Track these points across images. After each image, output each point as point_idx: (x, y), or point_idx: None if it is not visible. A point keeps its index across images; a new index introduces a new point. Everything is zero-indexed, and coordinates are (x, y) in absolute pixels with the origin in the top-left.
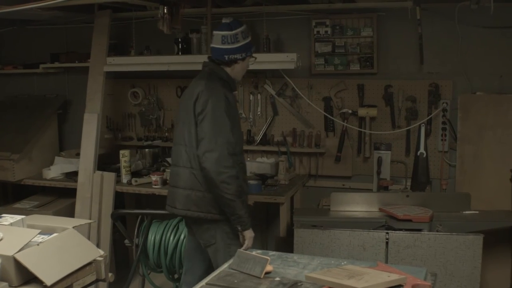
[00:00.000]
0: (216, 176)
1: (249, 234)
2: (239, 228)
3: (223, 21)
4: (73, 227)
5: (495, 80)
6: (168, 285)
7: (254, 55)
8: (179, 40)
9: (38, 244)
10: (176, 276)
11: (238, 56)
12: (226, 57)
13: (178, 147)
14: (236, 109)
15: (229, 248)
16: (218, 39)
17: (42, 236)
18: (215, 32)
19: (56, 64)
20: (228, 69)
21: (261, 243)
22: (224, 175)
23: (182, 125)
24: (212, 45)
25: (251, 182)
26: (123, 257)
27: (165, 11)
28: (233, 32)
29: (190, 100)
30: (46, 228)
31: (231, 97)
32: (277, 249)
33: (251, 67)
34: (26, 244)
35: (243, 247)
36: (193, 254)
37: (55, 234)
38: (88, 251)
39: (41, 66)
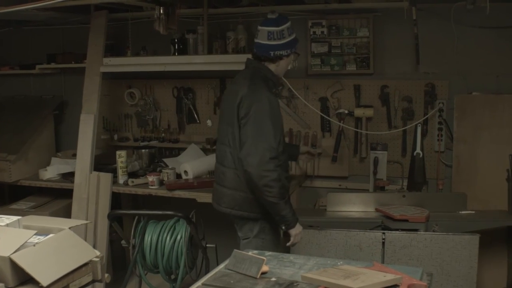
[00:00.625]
0: (258, 180)
1: (294, 231)
2: (283, 228)
3: (269, 16)
4: (70, 228)
5: (491, 80)
6: (165, 286)
7: (297, 51)
8: (176, 40)
9: (34, 245)
10: (173, 276)
11: (283, 52)
12: (272, 53)
13: (223, 147)
14: (278, 110)
15: (262, 242)
16: (264, 35)
17: (38, 237)
18: (260, 28)
19: (53, 65)
20: (272, 66)
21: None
22: (266, 179)
23: (226, 126)
24: (257, 41)
25: None
26: (120, 257)
27: (161, 12)
28: (280, 28)
29: (234, 101)
30: (42, 229)
31: (273, 100)
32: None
33: None
34: (22, 245)
35: (289, 243)
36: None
37: (51, 235)
38: (85, 252)
39: (38, 66)
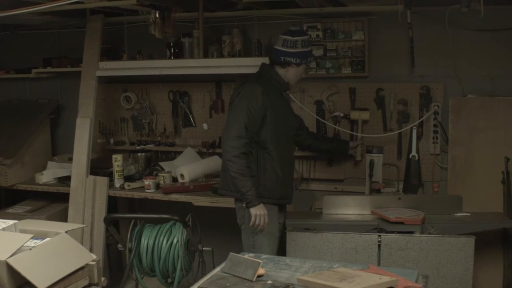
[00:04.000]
0: (224, 154)
1: (254, 211)
2: (244, 205)
3: (290, 28)
4: (66, 232)
5: (486, 82)
6: None
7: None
8: (171, 44)
9: (30, 249)
10: (169, 280)
11: (292, 60)
12: (282, 58)
13: None
14: (260, 98)
15: (253, 229)
16: (280, 42)
17: (35, 240)
18: (280, 36)
19: (49, 69)
20: (281, 71)
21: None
22: (228, 154)
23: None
24: (274, 47)
25: None
26: (117, 261)
27: (157, 16)
28: (294, 38)
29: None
30: (39, 232)
31: (258, 92)
32: None
33: (243, 70)
34: (18, 248)
35: (250, 224)
36: None
37: (47, 239)
38: (81, 256)
39: (34, 71)
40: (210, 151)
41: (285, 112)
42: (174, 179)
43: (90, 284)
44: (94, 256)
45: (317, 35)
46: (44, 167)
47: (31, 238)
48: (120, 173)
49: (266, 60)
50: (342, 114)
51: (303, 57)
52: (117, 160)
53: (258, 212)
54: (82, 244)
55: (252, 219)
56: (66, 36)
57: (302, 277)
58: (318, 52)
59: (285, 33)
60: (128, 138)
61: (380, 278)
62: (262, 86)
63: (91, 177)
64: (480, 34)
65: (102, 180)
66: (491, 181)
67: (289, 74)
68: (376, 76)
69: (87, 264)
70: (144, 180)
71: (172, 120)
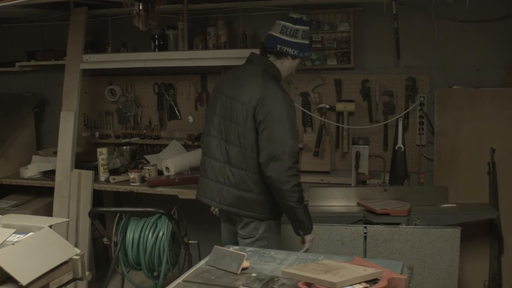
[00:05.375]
0: (280, 185)
1: (309, 237)
2: (301, 233)
3: (290, 15)
4: (50, 226)
5: (471, 73)
6: (148, 283)
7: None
8: (156, 36)
9: (13, 244)
10: (155, 273)
11: (290, 51)
12: (279, 47)
13: (231, 146)
14: (295, 110)
15: (267, 242)
16: (278, 28)
17: (18, 235)
18: (278, 21)
19: (33, 62)
20: (277, 62)
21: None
22: (288, 184)
23: (236, 125)
24: (269, 32)
25: None
26: (103, 255)
27: (141, 8)
28: (295, 26)
29: (247, 103)
30: (22, 227)
31: (289, 100)
32: None
33: (229, 62)
34: (1, 243)
35: (303, 250)
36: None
37: (31, 233)
38: (65, 250)
39: (17, 64)
40: (196, 143)
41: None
42: (160, 172)
43: (74, 279)
44: (78, 251)
45: None
46: (28, 161)
47: (14, 232)
48: (105, 167)
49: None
50: (328, 106)
51: (302, 50)
52: (102, 154)
53: (312, 238)
54: (67, 238)
55: (307, 245)
56: (50, 29)
57: (287, 270)
58: None
59: (285, 19)
60: (113, 131)
61: (364, 270)
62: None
63: (76, 170)
64: (466, 25)
65: (87, 174)
66: (477, 172)
67: (284, 66)
68: (362, 67)
69: (71, 259)
70: (129, 174)
71: (157, 113)
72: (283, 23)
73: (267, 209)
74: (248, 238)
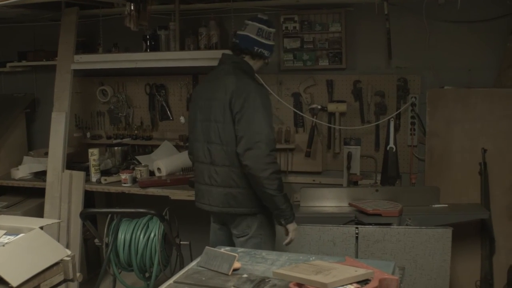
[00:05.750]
0: (258, 173)
1: (292, 227)
2: (283, 222)
3: (260, 16)
4: (41, 227)
5: (463, 74)
6: (140, 284)
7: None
8: (147, 37)
9: (3, 245)
10: (147, 274)
11: (265, 52)
12: (256, 48)
13: (213, 146)
14: (270, 100)
15: (261, 238)
16: (254, 30)
17: (8, 236)
18: (250, 22)
19: (24, 63)
20: (251, 62)
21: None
22: (266, 172)
23: (215, 123)
24: (244, 33)
25: None
26: (94, 256)
27: (132, 8)
28: (269, 29)
29: (223, 97)
30: (13, 228)
31: (263, 90)
32: None
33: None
34: None
35: (287, 240)
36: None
37: (21, 235)
38: (55, 251)
39: (8, 64)
40: (187, 144)
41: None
42: (151, 173)
43: (65, 280)
44: (68, 252)
45: (294, 27)
46: (19, 162)
47: (5, 234)
48: (96, 167)
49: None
50: (319, 107)
51: (271, 51)
52: (94, 154)
53: (295, 227)
54: (58, 239)
55: (290, 235)
56: (41, 29)
57: (278, 271)
58: (295, 44)
59: (260, 22)
60: (104, 132)
61: (356, 271)
62: (255, 81)
63: (67, 171)
64: (457, 26)
65: (79, 175)
66: (468, 173)
67: (256, 66)
68: (354, 68)
69: (62, 260)
70: (120, 174)
71: (149, 113)
72: (258, 25)
73: (256, 202)
74: (242, 236)
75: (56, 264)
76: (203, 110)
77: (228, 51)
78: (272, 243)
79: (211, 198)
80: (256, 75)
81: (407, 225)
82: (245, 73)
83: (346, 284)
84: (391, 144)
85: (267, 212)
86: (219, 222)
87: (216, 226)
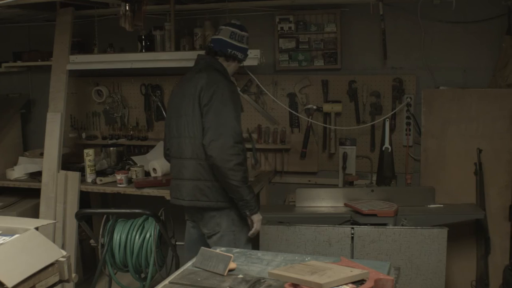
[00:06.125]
0: (222, 164)
1: (257, 217)
2: (247, 213)
3: (233, 21)
4: (36, 228)
5: (458, 74)
6: (135, 284)
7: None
8: (143, 37)
9: None
10: (143, 275)
11: (239, 54)
12: (229, 50)
13: (181, 140)
14: (239, 97)
15: (234, 235)
16: (227, 33)
17: (3, 237)
18: (224, 27)
19: (19, 63)
20: (225, 63)
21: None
22: (230, 162)
23: (185, 118)
24: (218, 37)
25: None
26: (90, 257)
27: (127, 8)
28: (242, 33)
29: (193, 92)
30: (8, 229)
31: (233, 86)
32: None
33: None
34: None
35: (252, 231)
36: (194, 246)
37: (16, 235)
38: (51, 252)
39: (4, 65)
40: None
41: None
42: (147, 173)
43: (60, 281)
44: (64, 252)
45: (289, 27)
46: (15, 163)
47: (0, 235)
48: (92, 168)
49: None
50: (315, 107)
51: (245, 54)
52: (89, 155)
53: (259, 218)
54: (54, 240)
55: (255, 226)
56: (36, 29)
57: (273, 271)
58: (290, 44)
59: (233, 26)
60: (100, 132)
61: (351, 271)
62: (225, 78)
63: (63, 172)
64: (452, 26)
65: (74, 175)
66: (463, 173)
67: (230, 68)
68: (349, 68)
69: (57, 261)
70: (116, 175)
71: (144, 113)
72: (231, 29)
73: (224, 196)
74: (213, 235)
75: (52, 264)
76: (176, 107)
77: (203, 52)
78: (248, 240)
79: (180, 192)
80: (230, 76)
81: (402, 225)
82: (217, 71)
83: (341, 285)
84: (387, 144)
85: (237, 209)
86: (191, 220)
87: (190, 224)
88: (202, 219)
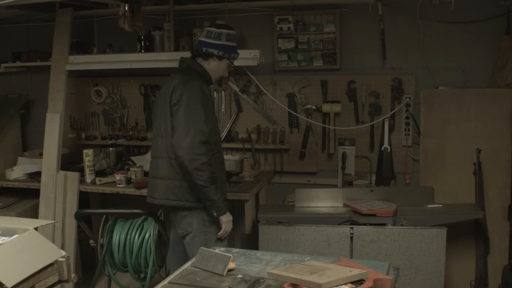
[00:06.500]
0: (189, 163)
1: (225, 218)
2: (215, 214)
3: (216, 21)
4: (35, 228)
5: (457, 74)
6: (135, 284)
7: (234, 62)
8: (142, 37)
9: None
10: (142, 275)
11: (214, 51)
12: (204, 49)
13: (156, 139)
14: (212, 102)
15: (205, 236)
16: (204, 33)
17: (3, 237)
18: (205, 28)
19: (18, 63)
20: (205, 64)
21: (227, 240)
22: (196, 162)
23: (159, 118)
24: (198, 38)
25: None
26: (90, 257)
27: (126, 9)
28: (219, 30)
29: (166, 93)
30: (7, 229)
31: (207, 89)
32: (243, 246)
33: None
34: None
35: (221, 232)
36: (176, 247)
37: (16, 236)
38: (50, 252)
39: (3, 65)
40: None
41: (214, 109)
42: (146, 174)
43: (60, 281)
44: (63, 253)
45: (289, 28)
46: (14, 163)
47: None
48: (91, 168)
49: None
50: (314, 107)
51: (226, 51)
52: (88, 155)
53: (228, 219)
54: (53, 240)
55: (224, 227)
56: (35, 30)
57: (273, 271)
58: (289, 44)
59: (210, 25)
60: (99, 132)
61: (350, 271)
62: (204, 82)
63: (62, 172)
64: (451, 27)
65: (73, 175)
66: (463, 173)
67: (211, 67)
68: (348, 68)
69: (56, 261)
70: (115, 175)
71: (143, 114)
72: (208, 28)
73: (193, 196)
74: (186, 235)
75: (51, 265)
76: (155, 109)
77: (188, 54)
78: (223, 243)
79: (153, 191)
80: (225, 78)
81: (401, 225)
82: (194, 72)
83: (340, 284)
84: (386, 145)
85: (205, 208)
86: (170, 219)
87: (172, 225)
88: (176, 219)
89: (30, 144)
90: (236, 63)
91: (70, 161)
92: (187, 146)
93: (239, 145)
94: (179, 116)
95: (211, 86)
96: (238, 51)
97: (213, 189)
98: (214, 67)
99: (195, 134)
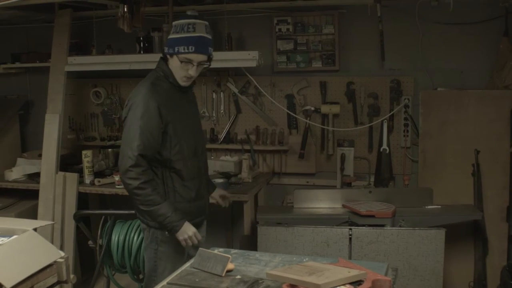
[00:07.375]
0: (124, 186)
1: (180, 236)
2: (166, 233)
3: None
4: (34, 229)
5: (455, 76)
6: (133, 285)
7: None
8: (141, 39)
9: None
10: (141, 276)
11: (165, 49)
12: (164, 48)
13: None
14: (155, 113)
15: (153, 253)
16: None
17: (2, 238)
18: None
19: (17, 64)
20: (170, 61)
21: (226, 241)
22: (129, 186)
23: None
24: None
25: (217, 180)
26: (88, 258)
27: (125, 10)
28: (174, 23)
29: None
30: (6, 230)
31: (152, 101)
32: (242, 247)
33: (214, 64)
34: None
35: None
36: None
37: (15, 236)
38: (49, 253)
39: (2, 66)
40: None
41: (189, 117)
42: None
43: (59, 282)
44: (62, 253)
45: (288, 29)
46: (13, 164)
47: None
48: (90, 169)
49: (236, 54)
50: (313, 108)
51: (171, 46)
52: (87, 156)
53: (185, 236)
54: (52, 241)
55: (183, 244)
56: (35, 31)
57: (271, 272)
58: (288, 46)
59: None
60: (98, 133)
61: (349, 272)
62: (156, 95)
63: (61, 173)
64: (450, 28)
65: (72, 176)
66: (461, 174)
67: (171, 66)
68: (347, 69)
69: (55, 262)
70: (114, 176)
71: None
72: (173, 23)
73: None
74: (145, 248)
75: (50, 265)
76: None
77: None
78: (172, 264)
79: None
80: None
81: (400, 226)
82: (154, 77)
83: (339, 285)
84: (385, 146)
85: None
86: None
87: None
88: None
89: (29, 145)
90: (235, 64)
91: (69, 162)
92: (121, 170)
93: (238, 146)
94: (123, 134)
95: (190, 87)
96: (237, 51)
97: (155, 211)
98: (173, 65)
99: (126, 159)
